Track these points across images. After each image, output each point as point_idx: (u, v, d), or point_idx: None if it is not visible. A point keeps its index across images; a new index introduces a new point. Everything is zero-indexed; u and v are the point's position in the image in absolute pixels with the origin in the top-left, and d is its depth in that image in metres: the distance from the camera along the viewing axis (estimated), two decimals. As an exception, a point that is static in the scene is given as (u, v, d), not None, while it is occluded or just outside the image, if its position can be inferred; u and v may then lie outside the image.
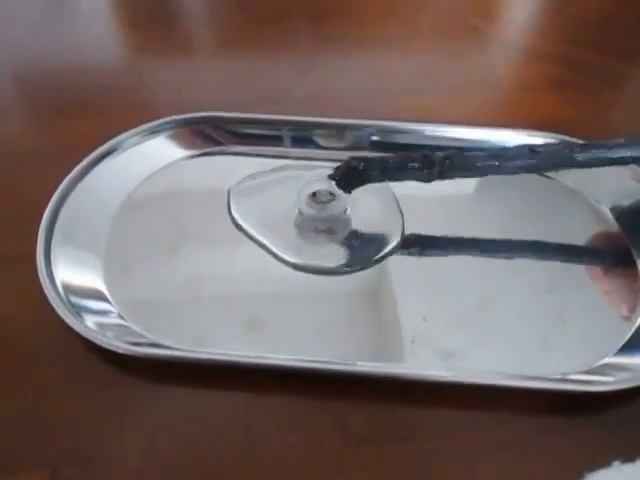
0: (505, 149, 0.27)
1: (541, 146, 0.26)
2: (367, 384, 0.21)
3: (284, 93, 0.33)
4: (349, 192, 0.26)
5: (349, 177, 0.25)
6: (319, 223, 0.26)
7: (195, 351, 0.22)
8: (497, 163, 0.25)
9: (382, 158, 0.25)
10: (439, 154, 0.25)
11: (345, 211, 0.26)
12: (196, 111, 0.29)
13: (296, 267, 0.25)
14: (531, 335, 0.23)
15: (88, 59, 0.35)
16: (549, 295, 0.24)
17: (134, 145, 0.28)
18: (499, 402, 0.21)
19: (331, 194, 0.26)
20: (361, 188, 0.26)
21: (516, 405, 0.21)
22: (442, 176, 0.25)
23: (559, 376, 0.21)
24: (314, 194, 0.26)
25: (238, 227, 0.26)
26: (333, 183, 0.26)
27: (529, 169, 0.25)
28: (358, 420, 0.21)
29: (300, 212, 0.26)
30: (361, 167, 0.25)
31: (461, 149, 0.26)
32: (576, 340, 0.23)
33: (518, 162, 0.25)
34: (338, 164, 0.26)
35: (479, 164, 0.25)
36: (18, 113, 0.32)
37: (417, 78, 0.34)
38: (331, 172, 0.25)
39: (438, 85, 0.34)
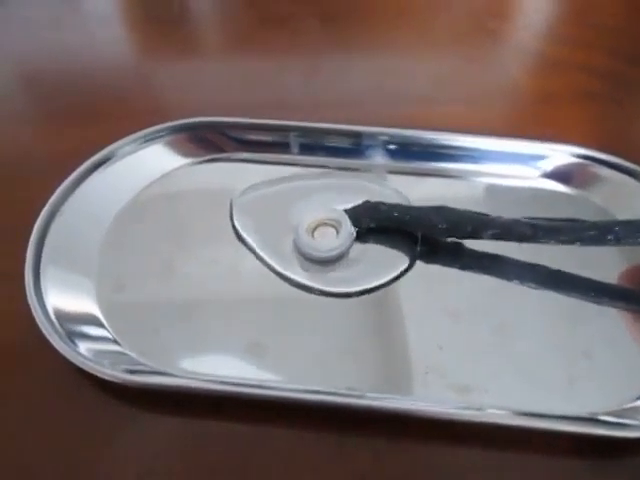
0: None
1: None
2: (375, 418, 0.20)
3: (292, 98, 0.31)
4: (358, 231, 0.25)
5: (365, 216, 0.24)
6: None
7: (193, 379, 0.20)
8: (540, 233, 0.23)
9: (407, 207, 0.24)
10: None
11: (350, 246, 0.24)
12: (197, 116, 0.27)
13: (300, 287, 0.23)
14: (554, 369, 0.21)
15: (91, 61, 0.33)
16: (575, 326, 0.22)
17: (130, 153, 0.26)
18: (520, 443, 0.19)
19: (334, 227, 0.24)
20: (375, 191, 0.25)
21: (539, 447, 0.19)
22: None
23: (587, 415, 0.20)
24: (314, 231, 0.24)
25: (241, 241, 0.25)
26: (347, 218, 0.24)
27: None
28: (365, 458, 0.19)
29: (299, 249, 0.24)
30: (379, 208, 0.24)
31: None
32: (603, 377, 0.21)
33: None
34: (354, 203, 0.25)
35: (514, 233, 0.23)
36: (14, 117, 0.30)
37: (431, 85, 0.33)
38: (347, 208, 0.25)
39: (453, 93, 0.32)
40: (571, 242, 0.23)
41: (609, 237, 0.22)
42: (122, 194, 0.25)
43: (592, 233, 0.22)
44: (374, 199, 0.25)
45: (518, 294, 0.23)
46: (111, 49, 0.35)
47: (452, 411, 0.19)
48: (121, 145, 0.26)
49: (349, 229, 0.24)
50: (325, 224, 0.24)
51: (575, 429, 0.19)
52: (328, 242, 0.24)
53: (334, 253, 0.24)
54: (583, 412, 0.20)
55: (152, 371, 0.21)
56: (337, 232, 0.24)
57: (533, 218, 0.23)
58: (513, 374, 0.21)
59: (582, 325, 0.22)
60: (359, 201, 0.25)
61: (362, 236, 0.25)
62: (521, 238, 0.23)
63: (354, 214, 0.25)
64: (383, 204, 0.24)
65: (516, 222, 0.23)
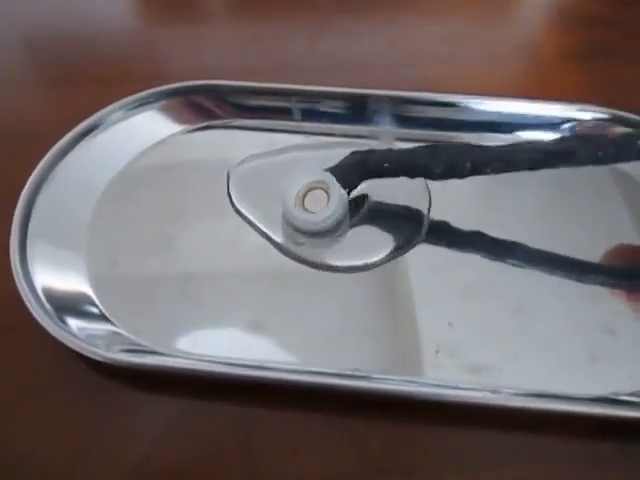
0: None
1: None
2: (384, 402, 0.19)
3: (295, 61, 0.30)
4: (350, 191, 0.22)
5: (352, 173, 0.22)
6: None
7: (190, 359, 0.19)
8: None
9: (389, 150, 0.22)
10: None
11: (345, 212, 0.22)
12: (194, 79, 0.26)
13: (302, 261, 0.22)
14: (574, 347, 0.20)
15: (85, 24, 0.31)
16: (596, 301, 0.21)
17: (121, 119, 0.25)
18: (539, 426, 0.18)
19: (326, 192, 0.22)
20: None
21: (560, 430, 0.18)
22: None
23: (610, 396, 0.18)
24: (304, 199, 0.22)
25: (239, 214, 0.23)
26: (334, 179, 0.22)
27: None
28: (376, 444, 0.18)
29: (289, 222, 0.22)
30: (367, 160, 0.22)
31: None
32: (627, 354, 0.20)
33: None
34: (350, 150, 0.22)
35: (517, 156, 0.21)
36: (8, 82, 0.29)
37: (445, 46, 0.30)
38: (330, 166, 0.22)
39: (469, 54, 0.30)
40: (587, 163, 0.21)
41: (632, 153, 0.21)
42: (113, 163, 0.24)
43: (612, 151, 0.21)
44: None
45: (538, 266, 0.22)
46: (107, 11, 0.33)
47: (465, 393, 0.18)
48: (111, 110, 0.24)
49: (338, 192, 0.22)
50: (314, 189, 0.22)
51: (598, 411, 0.18)
52: (319, 212, 0.22)
53: (328, 223, 0.22)
54: (606, 392, 0.18)
55: (147, 351, 0.19)
56: (328, 197, 0.22)
57: (532, 142, 0.21)
58: (530, 353, 0.20)
59: (603, 301, 0.21)
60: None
61: (361, 200, 0.23)
62: (532, 165, 0.21)
63: (340, 173, 0.22)
64: (371, 153, 0.22)
65: (520, 148, 0.21)
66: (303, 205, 0.22)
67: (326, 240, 0.22)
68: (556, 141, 0.22)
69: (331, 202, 0.22)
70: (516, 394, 0.18)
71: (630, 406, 0.18)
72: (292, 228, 0.22)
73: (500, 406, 0.18)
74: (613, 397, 0.18)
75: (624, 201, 0.24)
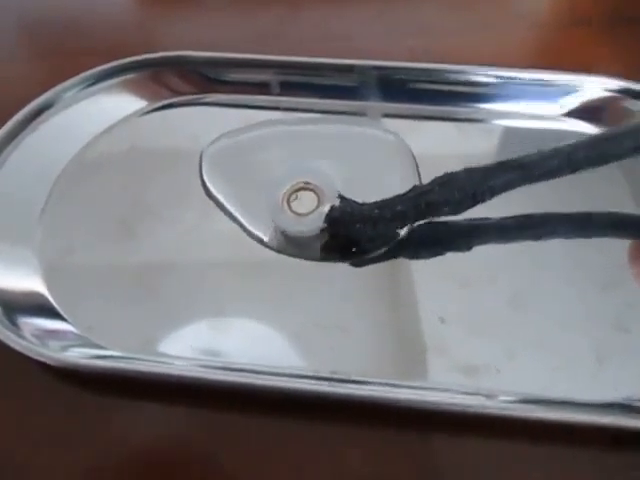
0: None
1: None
2: (365, 408, 0.17)
3: (274, 30, 0.27)
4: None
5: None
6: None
7: (147, 361, 0.17)
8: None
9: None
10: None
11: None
12: (162, 50, 0.23)
13: (278, 251, 0.20)
14: (580, 345, 0.17)
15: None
16: (605, 293, 0.19)
17: (78, 97, 0.22)
18: (540, 435, 0.16)
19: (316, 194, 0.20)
20: (371, 139, 0.21)
21: (564, 440, 0.16)
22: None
23: (622, 401, 0.16)
24: (290, 202, 0.20)
25: (211, 199, 0.21)
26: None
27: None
28: (354, 456, 0.16)
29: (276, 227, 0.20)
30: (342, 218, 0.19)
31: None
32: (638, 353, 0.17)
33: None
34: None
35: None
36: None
37: (438, 13, 0.28)
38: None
39: (464, 21, 0.27)
40: (567, 170, 0.19)
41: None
42: (70, 144, 0.22)
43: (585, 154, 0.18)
44: (368, 147, 0.21)
45: (539, 254, 0.19)
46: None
47: (456, 399, 0.16)
48: (68, 87, 0.22)
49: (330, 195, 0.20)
50: (303, 189, 0.20)
51: (608, 421, 0.15)
52: (308, 216, 0.20)
53: (317, 230, 0.19)
54: (617, 398, 0.16)
55: (108, 355, 0.18)
56: (318, 200, 0.20)
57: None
58: (531, 352, 0.17)
59: (614, 292, 0.19)
60: (349, 153, 0.21)
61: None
62: (507, 186, 0.19)
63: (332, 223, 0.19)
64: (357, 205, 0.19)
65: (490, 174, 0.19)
66: (290, 206, 0.20)
67: (310, 224, 0.20)
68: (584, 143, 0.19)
69: (322, 207, 0.20)
70: (514, 401, 0.16)
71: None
72: (277, 228, 0.20)
73: (495, 415, 0.16)
74: (626, 403, 0.16)
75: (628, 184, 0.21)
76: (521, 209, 0.20)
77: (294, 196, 0.20)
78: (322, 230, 0.19)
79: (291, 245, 0.20)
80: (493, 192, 0.19)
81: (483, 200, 0.19)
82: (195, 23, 0.27)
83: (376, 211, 0.18)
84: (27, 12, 0.28)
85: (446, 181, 0.19)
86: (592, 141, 0.19)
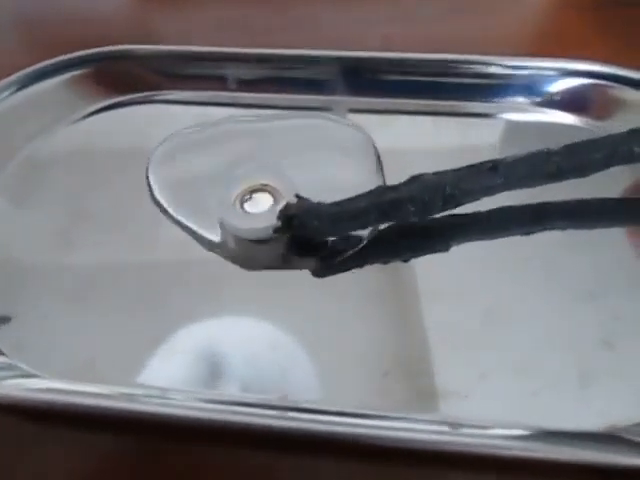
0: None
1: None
2: (314, 442, 0.14)
3: (230, 20, 0.25)
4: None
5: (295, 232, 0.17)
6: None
7: (75, 393, 0.15)
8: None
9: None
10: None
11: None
12: (105, 45, 0.22)
13: (229, 259, 0.18)
14: (562, 364, 0.15)
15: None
16: (591, 303, 0.16)
17: (17, 97, 0.21)
18: (520, 470, 0.14)
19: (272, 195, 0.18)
20: (334, 136, 0.19)
21: (546, 475, 0.14)
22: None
23: (606, 431, 0.14)
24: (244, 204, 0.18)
25: (157, 205, 0.19)
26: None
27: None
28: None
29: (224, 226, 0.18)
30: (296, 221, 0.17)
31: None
32: (630, 374, 0.15)
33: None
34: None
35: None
36: None
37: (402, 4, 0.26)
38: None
39: (438, 8, 0.25)
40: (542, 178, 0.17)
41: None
42: (6, 147, 0.20)
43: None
44: (331, 146, 0.19)
45: (516, 261, 0.17)
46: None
47: (415, 436, 0.14)
48: (4, 86, 0.20)
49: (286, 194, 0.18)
50: (257, 190, 0.18)
51: (589, 457, 0.13)
52: (262, 217, 0.18)
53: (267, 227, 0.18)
54: (602, 426, 0.14)
55: (43, 387, 0.15)
56: (274, 202, 0.18)
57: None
58: (504, 372, 0.15)
59: (599, 302, 0.17)
60: (309, 152, 0.19)
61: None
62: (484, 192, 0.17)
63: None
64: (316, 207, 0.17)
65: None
66: (243, 208, 0.18)
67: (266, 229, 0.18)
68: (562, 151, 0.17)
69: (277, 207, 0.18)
70: (481, 435, 0.14)
71: (634, 448, 0.13)
72: (228, 233, 0.18)
73: (461, 452, 0.14)
74: (613, 434, 0.14)
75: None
76: (498, 210, 0.18)
77: (247, 197, 0.18)
78: (276, 231, 0.17)
79: (245, 250, 0.18)
80: (464, 196, 0.17)
81: (452, 203, 0.17)
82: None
83: (334, 208, 0.17)
84: (23, 8, 0.27)
85: (412, 179, 0.17)
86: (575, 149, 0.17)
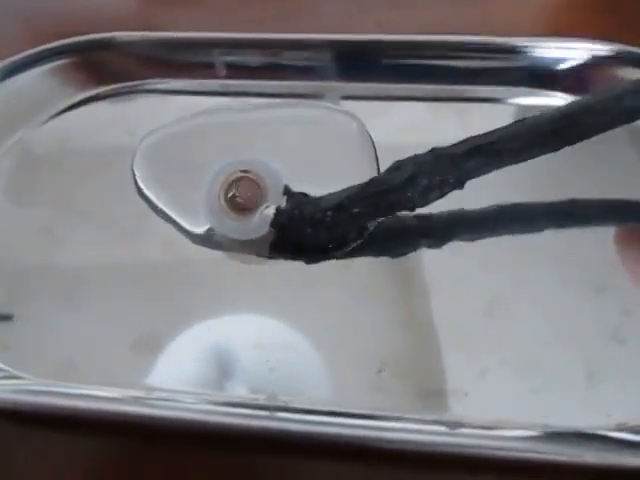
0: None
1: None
2: (304, 444, 0.14)
3: (219, 6, 0.24)
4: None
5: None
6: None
7: (57, 392, 0.15)
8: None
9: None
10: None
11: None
12: (87, 33, 0.21)
13: (218, 256, 0.17)
14: (568, 361, 0.15)
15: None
16: (598, 297, 0.16)
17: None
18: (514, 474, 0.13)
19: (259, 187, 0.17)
20: (326, 125, 0.19)
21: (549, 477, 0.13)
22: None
23: (613, 431, 0.13)
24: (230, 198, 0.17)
25: (144, 199, 0.18)
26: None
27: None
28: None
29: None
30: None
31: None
32: (637, 369, 0.14)
33: None
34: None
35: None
36: None
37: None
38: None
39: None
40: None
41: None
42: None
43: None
44: (323, 134, 0.19)
45: (519, 254, 0.17)
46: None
47: (413, 434, 0.13)
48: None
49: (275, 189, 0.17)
50: (246, 182, 0.17)
51: (595, 459, 0.12)
52: (250, 216, 0.17)
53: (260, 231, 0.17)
54: (609, 425, 0.13)
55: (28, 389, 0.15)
56: (262, 195, 0.17)
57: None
58: (506, 370, 0.15)
59: (608, 296, 0.16)
60: (300, 141, 0.18)
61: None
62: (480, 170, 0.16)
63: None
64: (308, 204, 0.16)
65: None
66: (229, 203, 0.17)
67: (256, 225, 0.18)
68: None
69: (265, 206, 0.17)
70: (481, 435, 0.13)
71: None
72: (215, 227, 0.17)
73: (460, 453, 0.13)
74: (619, 437, 0.13)
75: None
76: (499, 200, 0.18)
77: (234, 191, 0.18)
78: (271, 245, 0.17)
79: (233, 245, 0.17)
80: (464, 177, 0.16)
81: (447, 187, 0.16)
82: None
83: (329, 213, 0.16)
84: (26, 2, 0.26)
85: (403, 165, 0.16)
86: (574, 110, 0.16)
